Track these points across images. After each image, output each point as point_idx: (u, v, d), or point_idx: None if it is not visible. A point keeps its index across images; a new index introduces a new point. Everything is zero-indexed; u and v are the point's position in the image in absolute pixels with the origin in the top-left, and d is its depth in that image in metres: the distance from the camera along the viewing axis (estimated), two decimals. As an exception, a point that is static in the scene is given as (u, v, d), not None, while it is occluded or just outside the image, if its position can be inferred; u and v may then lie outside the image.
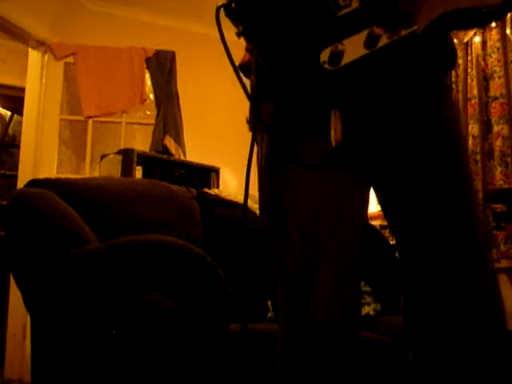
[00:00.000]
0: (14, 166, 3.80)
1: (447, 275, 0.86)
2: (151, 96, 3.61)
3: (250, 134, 0.91)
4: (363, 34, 0.74)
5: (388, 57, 0.75)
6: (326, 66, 0.74)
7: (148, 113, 3.75)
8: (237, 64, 0.85)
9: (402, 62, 0.78)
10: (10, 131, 5.00)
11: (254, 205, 2.46)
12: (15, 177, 3.55)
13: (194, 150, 3.69)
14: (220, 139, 4.11)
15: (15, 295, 3.13)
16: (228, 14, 0.77)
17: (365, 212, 0.94)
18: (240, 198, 2.46)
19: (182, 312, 1.31)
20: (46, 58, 3.51)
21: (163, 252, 1.36)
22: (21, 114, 3.78)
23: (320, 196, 0.86)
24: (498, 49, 3.15)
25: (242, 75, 0.83)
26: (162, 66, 3.58)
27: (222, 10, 0.76)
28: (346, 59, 0.74)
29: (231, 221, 2.34)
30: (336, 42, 0.73)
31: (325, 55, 0.74)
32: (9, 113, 4.97)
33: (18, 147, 3.67)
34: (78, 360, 1.41)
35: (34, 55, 3.53)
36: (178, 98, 3.61)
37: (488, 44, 3.21)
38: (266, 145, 0.92)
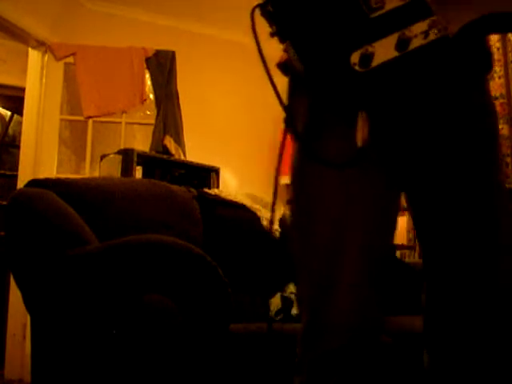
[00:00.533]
0: (14, 166, 3.80)
1: (471, 276, 0.86)
2: (151, 96, 3.61)
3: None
4: (394, 37, 0.74)
5: (419, 60, 0.76)
6: (357, 67, 0.75)
7: (148, 113, 3.76)
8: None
9: (434, 65, 0.79)
10: (10, 131, 5.00)
11: (254, 205, 2.46)
12: (15, 177, 3.55)
13: (194, 150, 3.69)
14: (220, 139, 4.11)
15: (15, 295, 3.13)
16: (263, 14, 0.78)
17: (394, 213, 0.93)
18: (240, 198, 2.46)
19: (182, 312, 1.31)
20: (46, 58, 3.51)
21: (163, 252, 1.36)
22: (21, 114, 3.78)
23: (346, 196, 0.87)
24: (498, 49, 3.15)
25: (263, 77, 0.84)
26: (162, 65, 3.58)
27: (257, 9, 0.78)
28: (377, 61, 0.74)
29: (231, 221, 2.34)
30: (366, 45, 0.74)
31: (355, 57, 0.74)
32: (9, 113, 4.97)
33: (18, 147, 3.67)
34: (78, 360, 1.41)
35: (33, 55, 3.53)
36: (177, 98, 3.61)
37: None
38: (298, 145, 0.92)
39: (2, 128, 4.97)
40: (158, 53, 3.60)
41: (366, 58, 0.74)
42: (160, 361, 1.29)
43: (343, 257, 0.86)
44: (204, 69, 4.09)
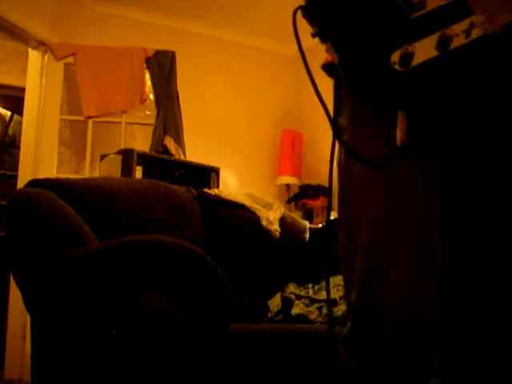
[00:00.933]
0: (14, 166, 3.80)
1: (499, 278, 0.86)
2: (151, 96, 3.61)
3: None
4: (435, 36, 0.75)
5: (460, 59, 0.76)
6: (396, 66, 0.75)
7: (148, 113, 3.76)
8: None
9: (475, 64, 0.79)
10: (10, 131, 5.00)
11: (253, 205, 2.46)
12: (15, 177, 3.55)
13: (194, 150, 3.69)
14: (220, 139, 4.12)
15: (15, 295, 3.14)
16: (305, 16, 0.79)
17: (435, 210, 0.91)
18: (240, 198, 2.46)
19: (183, 312, 1.31)
20: (46, 58, 3.51)
21: (163, 252, 1.36)
22: (21, 114, 3.79)
23: (386, 194, 0.87)
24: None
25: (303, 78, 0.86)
26: (162, 65, 3.58)
27: (299, 11, 0.80)
28: (417, 60, 0.75)
29: (231, 221, 2.34)
30: (406, 44, 0.75)
31: (395, 56, 0.75)
32: (9, 113, 4.97)
33: (18, 147, 3.67)
34: (78, 360, 1.41)
35: (34, 55, 3.54)
36: (178, 98, 3.61)
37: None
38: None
39: (2, 128, 4.97)
40: (157, 53, 3.60)
41: (406, 58, 0.75)
42: (160, 361, 1.29)
43: (387, 251, 0.85)
44: (204, 69, 4.10)
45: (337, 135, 0.89)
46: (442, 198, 0.88)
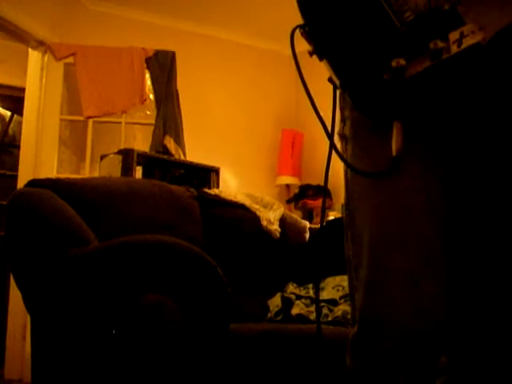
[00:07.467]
0: (14, 166, 3.80)
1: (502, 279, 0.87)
2: (151, 96, 3.61)
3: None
4: (427, 47, 0.76)
5: (452, 68, 0.77)
6: (390, 79, 0.77)
7: (148, 113, 3.76)
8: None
9: (468, 72, 0.80)
10: (10, 131, 4.99)
11: (253, 205, 2.46)
12: (15, 177, 3.55)
13: (194, 150, 3.70)
14: (220, 139, 4.12)
15: (15, 295, 3.14)
16: (303, 35, 0.82)
17: (440, 211, 0.91)
18: (240, 198, 2.46)
19: (183, 312, 1.31)
20: (46, 58, 3.51)
21: (163, 252, 1.36)
22: (21, 114, 3.78)
23: (388, 198, 0.87)
24: None
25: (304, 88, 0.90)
26: (162, 65, 3.58)
27: (297, 30, 0.83)
28: (410, 72, 0.77)
29: (231, 221, 2.34)
30: (399, 57, 0.76)
31: (389, 69, 0.77)
32: (9, 113, 4.97)
33: (18, 147, 3.67)
34: (78, 360, 1.41)
35: (34, 55, 3.53)
36: (178, 98, 3.61)
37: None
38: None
39: (2, 128, 4.97)
40: (157, 53, 3.61)
41: (399, 70, 0.76)
42: (160, 360, 1.29)
43: (390, 254, 0.85)
44: (204, 69, 4.10)
45: (334, 146, 0.90)
46: (445, 199, 0.88)
